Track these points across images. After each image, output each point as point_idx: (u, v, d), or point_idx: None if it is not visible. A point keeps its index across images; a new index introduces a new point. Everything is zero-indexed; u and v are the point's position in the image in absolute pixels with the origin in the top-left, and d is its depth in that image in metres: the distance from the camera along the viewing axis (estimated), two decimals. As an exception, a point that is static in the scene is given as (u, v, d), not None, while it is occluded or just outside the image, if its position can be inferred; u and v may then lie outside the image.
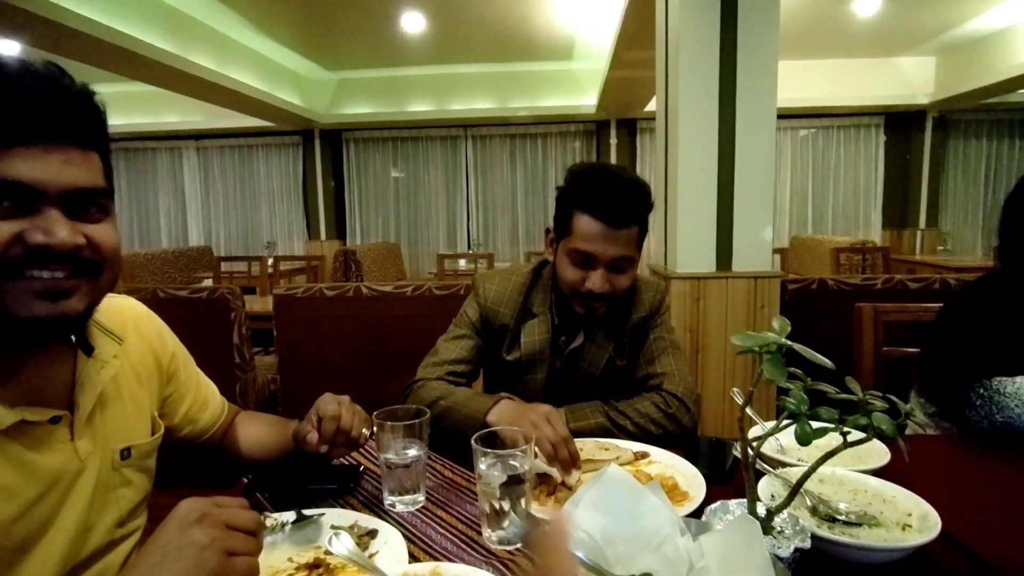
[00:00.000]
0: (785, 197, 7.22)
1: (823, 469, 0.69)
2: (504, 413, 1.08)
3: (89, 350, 0.77)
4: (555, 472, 0.96)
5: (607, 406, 1.22)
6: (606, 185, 1.18)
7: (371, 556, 0.77)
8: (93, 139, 0.68)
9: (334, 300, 2.56)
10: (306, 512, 0.87)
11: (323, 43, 6.12)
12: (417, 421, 0.92)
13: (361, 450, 1.16)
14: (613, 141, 7.32)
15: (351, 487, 1.01)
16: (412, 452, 0.92)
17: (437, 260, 5.30)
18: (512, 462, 0.81)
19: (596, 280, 1.18)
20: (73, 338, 0.76)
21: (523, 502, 0.79)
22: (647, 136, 7.30)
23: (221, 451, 1.06)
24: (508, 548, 0.80)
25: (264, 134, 7.74)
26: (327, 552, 0.79)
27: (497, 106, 7.06)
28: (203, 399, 1.02)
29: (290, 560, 0.77)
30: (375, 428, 0.93)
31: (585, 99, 6.88)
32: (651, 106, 6.39)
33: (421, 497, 0.94)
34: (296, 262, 6.11)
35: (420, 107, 7.23)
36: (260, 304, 3.58)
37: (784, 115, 6.54)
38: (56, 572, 0.70)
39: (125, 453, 0.81)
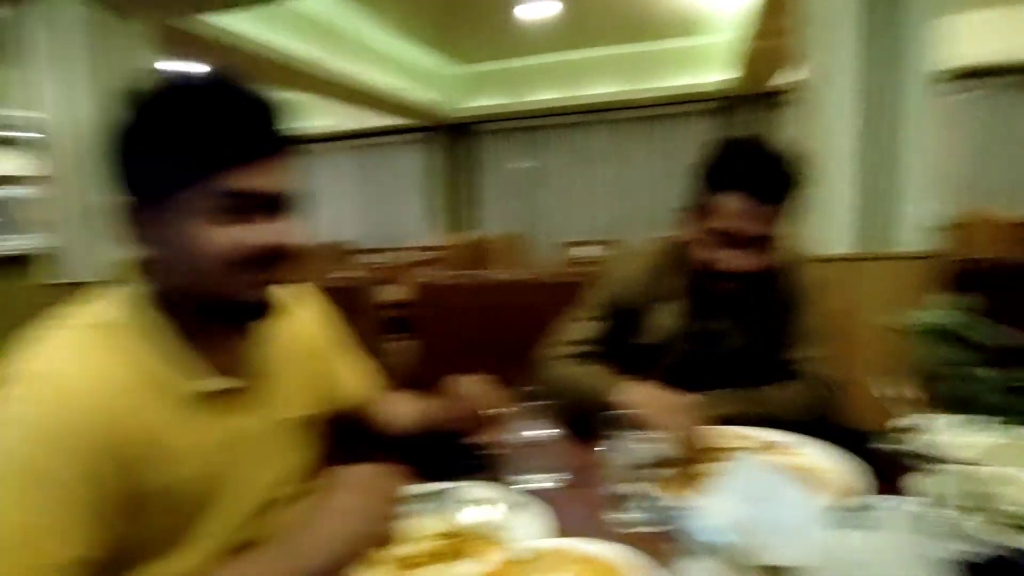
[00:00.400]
0: (951, 168, 6.44)
1: (1005, 470, 0.62)
2: (631, 396, 1.05)
3: (266, 326, 0.84)
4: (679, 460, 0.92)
5: (746, 393, 1.16)
6: (753, 158, 1.12)
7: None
8: (292, 146, 0.76)
9: (471, 288, 2.65)
10: (441, 485, 0.90)
11: (453, 37, 6.29)
12: (551, 402, 0.93)
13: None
14: (746, 118, 6.87)
15: (484, 465, 1.02)
16: (544, 432, 0.93)
17: (571, 249, 5.30)
18: (638, 445, 0.80)
19: (735, 259, 1.12)
20: None
21: (647, 486, 0.78)
22: (779, 111, 6.68)
23: (371, 427, 1.12)
24: (634, 530, 0.78)
25: (396, 132, 8.07)
26: (463, 523, 0.82)
27: (626, 88, 6.90)
28: (356, 375, 1.09)
29: (427, 529, 0.80)
30: (510, 408, 0.95)
31: (715, 75, 6.53)
32: (784, 77, 5.94)
33: (554, 477, 0.94)
34: (427, 253, 6.36)
35: (548, 95, 7.24)
36: (394, 293, 3.79)
37: (957, 75, 5.81)
38: (237, 521, 0.78)
39: (296, 422, 0.88)
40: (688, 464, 0.92)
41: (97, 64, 3.31)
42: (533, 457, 0.94)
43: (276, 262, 0.73)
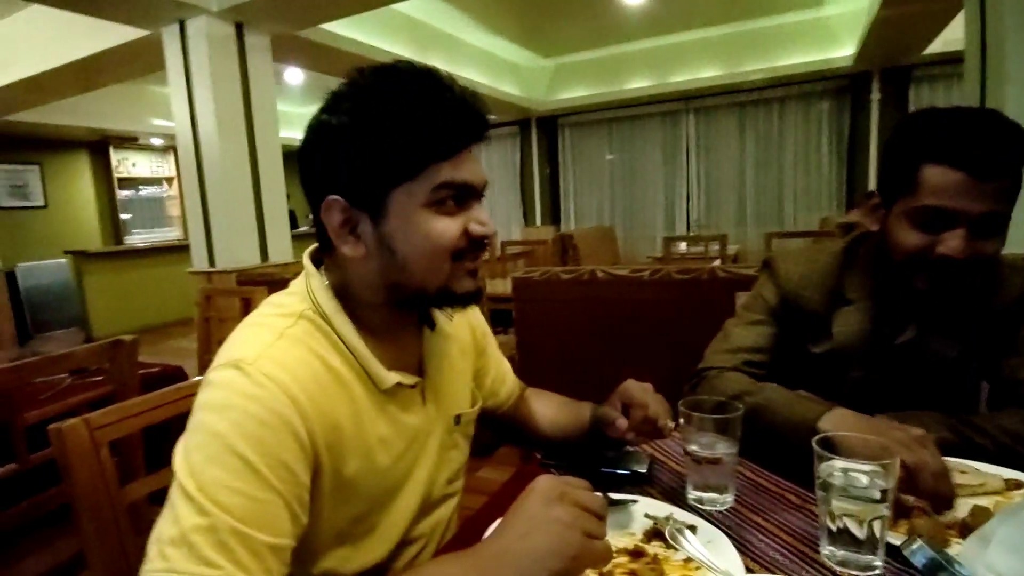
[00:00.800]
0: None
1: None
2: (846, 425, 0.87)
3: (433, 325, 0.87)
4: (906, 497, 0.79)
5: (955, 419, 0.97)
6: (968, 126, 0.93)
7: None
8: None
9: (569, 283, 2.61)
10: (615, 496, 0.86)
11: (540, 30, 6.25)
12: (729, 416, 0.86)
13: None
14: (875, 96, 6.25)
15: (645, 477, 0.98)
16: (721, 448, 0.86)
17: (663, 243, 5.14)
18: (867, 476, 0.70)
19: (955, 243, 0.91)
20: (418, 315, 0.86)
21: (878, 524, 0.69)
22: (924, 86, 6.10)
23: (514, 425, 1.12)
24: (858, 573, 0.70)
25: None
26: (645, 538, 0.78)
27: (725, 72, 6.59)
28: (502, 374, 1.09)
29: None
30: (681, 418, 0.90)
31: (839, 50, 6.03)
32: (936, 46, 5.38)
33: (730, 498, 0.88)
34: (518, 246, 6.37)
35: (637, 84, 7.06)
36: (490, 286, 3.85)
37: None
38: (411, 513, 0.82)
39: (457, 419, 0.91)
40: (925, 503, 0.79)
41: (217, 75, 3.55)
42: (707, 474, 0.88)
43: (484, 252, 0.76)
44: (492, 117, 0.76)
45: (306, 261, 0.80)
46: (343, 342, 0.74)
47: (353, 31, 4.52)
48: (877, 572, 0.70)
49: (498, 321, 3.45)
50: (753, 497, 0.91)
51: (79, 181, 7.79)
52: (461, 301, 0.77)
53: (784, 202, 6.97)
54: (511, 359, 2.99)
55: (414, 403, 0.83)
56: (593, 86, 7.35)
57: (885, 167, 1.04)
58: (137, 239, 8.03)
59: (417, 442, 0.83)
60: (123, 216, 8.01)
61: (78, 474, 0.86)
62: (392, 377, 0.77)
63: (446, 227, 0.71)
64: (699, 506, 0.88)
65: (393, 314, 0.79)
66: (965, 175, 0.90)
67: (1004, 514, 0.58)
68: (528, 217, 8.19)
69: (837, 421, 0.90)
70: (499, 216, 8.36)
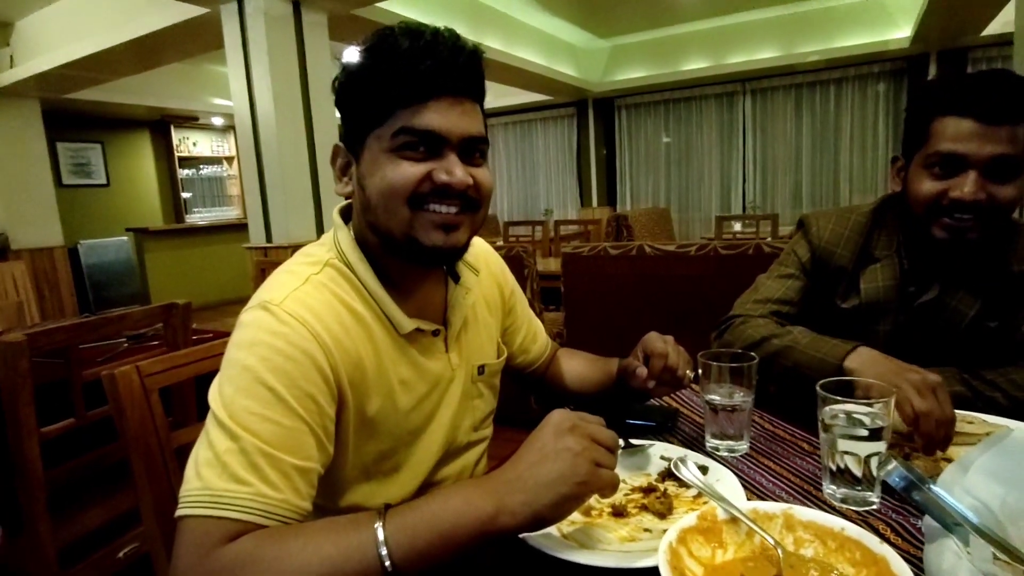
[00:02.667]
0: None
1: None
2: (871, 364, 0.92)
3: (457, 278, 0.90)
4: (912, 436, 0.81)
5: (969, 374, 1.01)
6: (977, 79, 0.97)
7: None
8: (481, 93, 0.80)
9: (618, 259, 2.61)
10: (634, 441, 0.90)
11: (598, 11, 6.19)
12: (745, 364, 0.88)
13: (677, 395, 1.16)
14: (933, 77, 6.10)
15: (669, 427, 1.01)
16: (738, 397, 0.88)
17: (715, 223, 5.06)
18: (867, 416, 0.72)
19: (967, 185, 0.94)
20: (445, 268, 0.89)
21: (875, 462, 0.71)
22: (983, 67, 5.89)
23: (545, 382, 1.16)
24: (857, 509, 0.72)
25: (542, 108, 8.15)
26: (659, 478, 0.81)
27: (782, 54, 6.43)
28: (533, 332, 1.12)
29: (624, 482, 0.79)
30: (699, 369, 0.91)
31: (896, 32, 5.86)
32: (993, 27, 5.20)
33: (745, 444, 0.90)
34: (572, 227, 6.37)
35: (694, 65, 6.94)
36: (543, 264, 3.85)
37: None
38: (435, 455, 0.86)
39: (480, 369, 0.94)
40: (929, 444, 0.81)
41: (274, 53, 3.63)
42: (724, 423, 0.89)
43: (456, 202, 0.76)
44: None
45: (335, 215, 0.85)
46: (365, 288, 0.79)
47: (409, 9, 4.57)
48: (874, 506, 0.73)
49: (548, 299, 3.47)
50: (767, 445, 0.93)
51: (141, 160, 8.05)
52: (429, 255, 0.77)
53: (840, 184, 6.78)
54: (559, 335, 3.01)
55: (435, 350, 0.86)
56: (650, 67, 7.25)
57: (904, 127, 1.08)
58: (197, 217, 8.28)
59: (439, 387, 0.86)
60: (184, 195, 8.26)
61: (129, 418, 0.92)
62: (411, 322, 0.80)
63: (404, 171, 0.73)
64: (716, 452, 0.90)
65: (409, 266, 0.81)
66: (973, 120, 0.95)
67: (985, 444, 0.57)
68: (584, 198, 8.17)
69: (863, 359, 0.94)
70: (555, 196, 8.38)
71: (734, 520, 0.61)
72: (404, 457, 0.83)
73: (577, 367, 1.14)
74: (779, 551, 0.57)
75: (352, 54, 0.78)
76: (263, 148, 3.77)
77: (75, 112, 6.99)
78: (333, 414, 0.72)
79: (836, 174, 6.76)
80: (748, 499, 0.74)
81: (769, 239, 4.28)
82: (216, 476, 0.62)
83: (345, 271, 0.79)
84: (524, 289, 2.79)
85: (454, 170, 0.74)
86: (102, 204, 7.61)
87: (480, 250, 1.01)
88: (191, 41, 4.44)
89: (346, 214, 0.86)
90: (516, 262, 2.77)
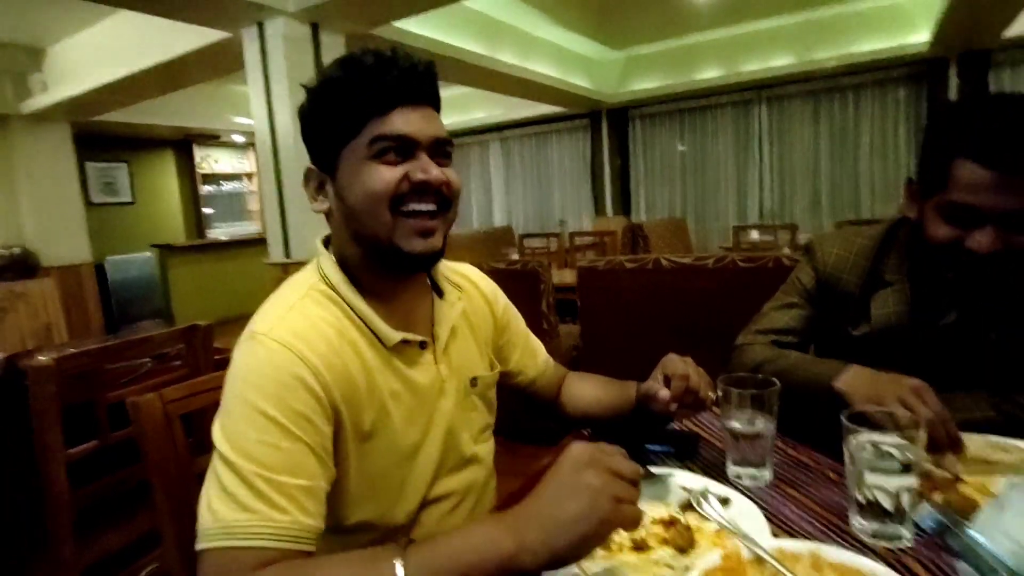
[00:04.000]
0: None
1: None
2: (859, 382, 0.94)
3: (441, 293, 0.94)
4: (935, 468, 0.80)
5: (998, 398, 0.98)
6: (999, 120, 0.89)
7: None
8: (437, 100, 0.86)
9: (634, 272, 2.59)
10: (653, 470, 0.88)
11: (611, 23, 6.19)
12: (766, 391, 0.86)
13: (697, 419, 1.14)
14: (953, 82, 5.87)
15: (689, 453, 0.99)
16: (760, 424, 0.86)
17: (733, 233, 5.02)
18: (896, 449, 0.70)
19: (984, 240, 0.90)
20: (430, 282, 0.95)
21: (907, 496, 0.69)
22: (1006, 71, 5.72)
23: (558, 407, 1.15)
24: (888, 545, 0.70)
25: (556, 120, 8.15)
26: (681, 509, 0.79)
27: (797, 60, 6.35)
28: (531, 351, 1.13)
29: (644, 513, 0.78)
30: (719, 393, 0.90)
31: (914, 35, 5.71)
32: (1016, 28, 5.01)
33: (768, 474, 0.88)
34: (587, 237, 6.35)
35: (708, 74, 6.89)
36: (558, 277, 3.84)
37: None
38: (433, 469, 0.88)
39: (473, 382, 0.96)
40: (945, 469, 0.80)
41: (294, 74, 3.69)
42: (746, 450, 0.88)
43: (433, 199, 0.81)
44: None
45: (318, 243, 0.90)
46: (350, 307, 0.82)
47: (425, 28, 4.61)
48: (906, 543, 0.69)
49: (564, 311, 3.45)
50: (791, 472, 0.91)
51: (164, 177, 8.22)
52: (411, 261, 0.81)
53: (860, 191, 6.66)
54: (575, 348, 2.99)
55: (424, 362, 0.88)
56: (664, 77, 7.22)
57: (921, 158, 1.03)
58: (219, 232, 8.42)
59: (429, 399, 0.88)
60: (205, 211, 8.41)
61: (152, 444, 0.95)
62: (397, 335, 0.83)
63: (383, 175, 0.78)
64: (738, 481, 0.88)
65: (391, 280, 0.86)
66: (995, 172, 0.89)
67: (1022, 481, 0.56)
68: (599, 208, 8.14)
69: (850, 378, 0.95)
70: (569, 207, 8.34)
71: (759, 559, 0.60)
72: (405, 472, 0.85)
73: (591, 390, 1.14)
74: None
75: (313, 83, 0.85)
76: (282, 165, 3.83)
77: (103, 133, 7.16)
78: (330, 432, 0.75)
79: (856, 181, 6.65)
80: (773, 534, 0.72)
81: (787, 251, 4.24)
82: (226, 509, 0.66)
83: (330, 292, 0.83)
84: (539, 304, 2.80)
85: (429, 169, 0.80)
86: (128, 221, 7.77)
87: (466, 272, 1.06)
88: (214, 63, 4.51)
89: (327, 243, 0.90)
90: (531, 278, 2.77)
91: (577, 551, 0.59)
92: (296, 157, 3.75)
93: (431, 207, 0.81)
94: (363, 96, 0.79)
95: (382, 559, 0.60)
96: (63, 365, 1.45)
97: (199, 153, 8.24)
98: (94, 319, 6.15)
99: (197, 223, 8.40)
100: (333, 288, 0.83)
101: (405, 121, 0.79)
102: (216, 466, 0.69)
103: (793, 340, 1.17)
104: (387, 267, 0.84)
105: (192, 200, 8.39)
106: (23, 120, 5.57)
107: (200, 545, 0.65)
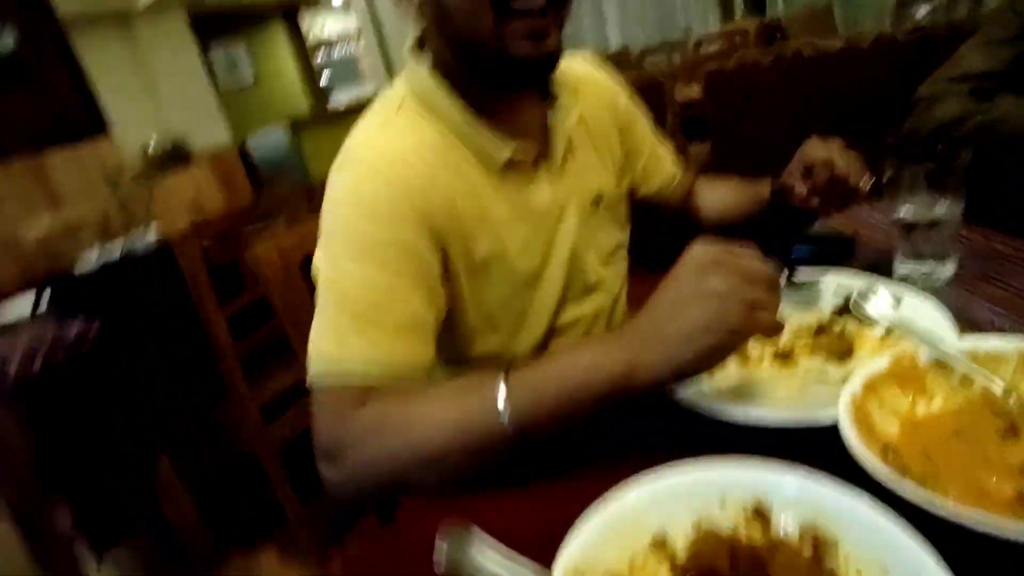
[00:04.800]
0: None
1: None
2: None
3: (551, 98, 0.80)
4: None
5: None
6: None
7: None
8: None
9: (769, 70, 2.24)
10: (801, 277, 0.74)
11: None
12: (950, 163, 0.67)
13: (852, 216, 0.96)
14: None
15: (842, 257, 0.82)
16: (941, 208, 0.69)
17: (893, 12, 4.19)
18: None
19: None
20: (539, 89, 0.80)
21: None
22: None
23: (690, 214, 1.03)
24: None
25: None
26: (834, 315, 0.66)
27: None
28: (658, 156, 0.99)
29: (796, 324, 0.66)
30: (885, 175, 0.72)
31: None
32: None
33: (950, 267, 0.71)
34: (715, 45, 5.65)
35: None
36: (684, 93, 3.47)
37: None
38: (558, 296, 0.80)
39: (596, 200, 0.85)
40: None
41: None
42: (918, 241, 0.71)
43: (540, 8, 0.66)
44: None
45: (405, 51, 0.78)
46: (450, 121, 0.73)
47: None
48: None
49: (691, 131, 3.16)
50: (981, 264, 0.73)
51: (279, 51, 8.42)
52: (523, 69, 0.69)
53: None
54: (705, 169, 2.78)
55: (538, 181, 0.78)
56: None
57: None
58: (341, 97, 8.67)
59: (548, 223, 0.79)
60: (323, 80, 8.61)
61: (276, 291, 0.98)
62: (505, 152, 0.73)
63: None
64: (910, 281, 0.72)
65: (496, 87, 0.74)
66: None
67: None
68: (726, 11, 7.17)
69: None
70: (694, 10, 7.37)
71: (942, 363, 0.48)
72: (527, 301, 0.78)
73: (720, 195, 1.01)
74: (1011, 400, 0.43)
75: None
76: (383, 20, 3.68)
77: (219, 12, 7.30)
78: (437, 262, 0.69)
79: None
80: (960, 335, 0.57)
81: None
82: (329, 344, 0.63)
83: (426, 103, 0.73)
84: (663, 123, 2.54)
85: None
86: (252, 101, 8.11)
87: (581, 68, 0.90)
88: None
89: (421, 45, 0.78)
90: (653, 91, 2.51)
91: (702, 365, 0.50)
92: (394, 12, 3.59)
93: (541, 2, 0.66)
94: None
95: (485, 383, 0.55)
96: (200, 230, 1.54)
97: (306, 22, 8.30)
98: (243, 194, 6.77)
99: (315, 93, 8.60)
100: (427, 98, 0.73)
101: None
102: (319, 304, 0.66)
103: (996, 86, 0.91)
104: (493, 77, 0.73)
105: (306, 70, 8.54)
106: (143, 17, 5.76)
107: (310, 381, 0.64)
